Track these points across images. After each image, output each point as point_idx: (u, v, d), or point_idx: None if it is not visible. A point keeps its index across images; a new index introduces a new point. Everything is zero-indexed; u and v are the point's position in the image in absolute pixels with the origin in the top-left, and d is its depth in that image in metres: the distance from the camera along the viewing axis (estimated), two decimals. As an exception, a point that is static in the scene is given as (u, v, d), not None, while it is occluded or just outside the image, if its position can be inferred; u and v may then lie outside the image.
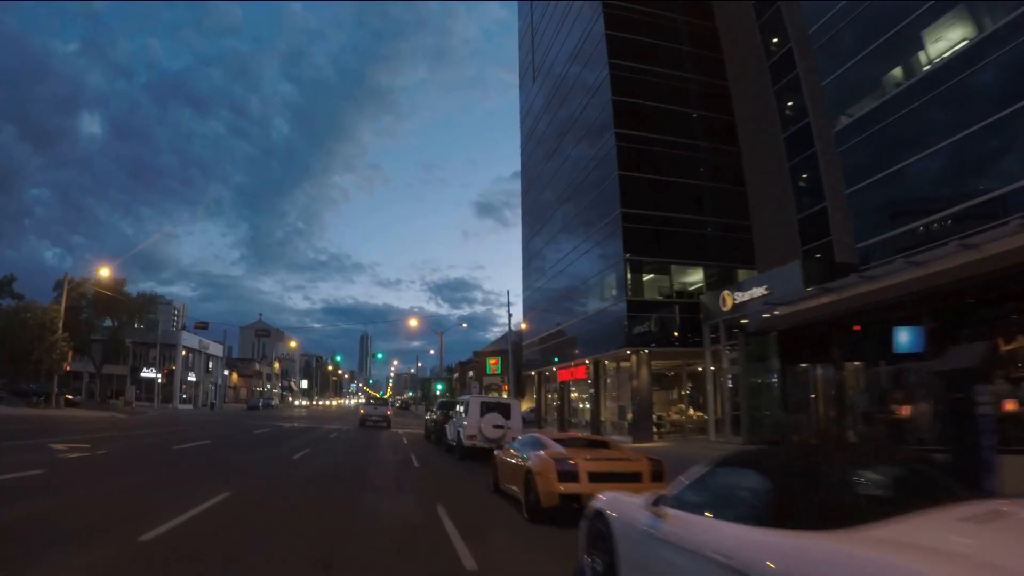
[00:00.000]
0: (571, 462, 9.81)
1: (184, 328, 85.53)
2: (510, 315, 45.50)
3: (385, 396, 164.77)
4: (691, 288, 32.84)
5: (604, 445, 12.16)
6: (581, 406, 40.54)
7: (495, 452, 13.62)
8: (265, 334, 52.19)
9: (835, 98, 26.07)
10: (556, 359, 42.00)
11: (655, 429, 29.92)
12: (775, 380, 17.72)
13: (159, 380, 70.54)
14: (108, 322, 64.10)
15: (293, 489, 12.31)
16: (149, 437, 24.62)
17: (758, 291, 25.49)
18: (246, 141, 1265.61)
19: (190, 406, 75.58)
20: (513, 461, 11.76)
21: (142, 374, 71.20)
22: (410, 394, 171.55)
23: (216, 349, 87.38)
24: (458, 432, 21.96)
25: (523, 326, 55.56)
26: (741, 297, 26.50)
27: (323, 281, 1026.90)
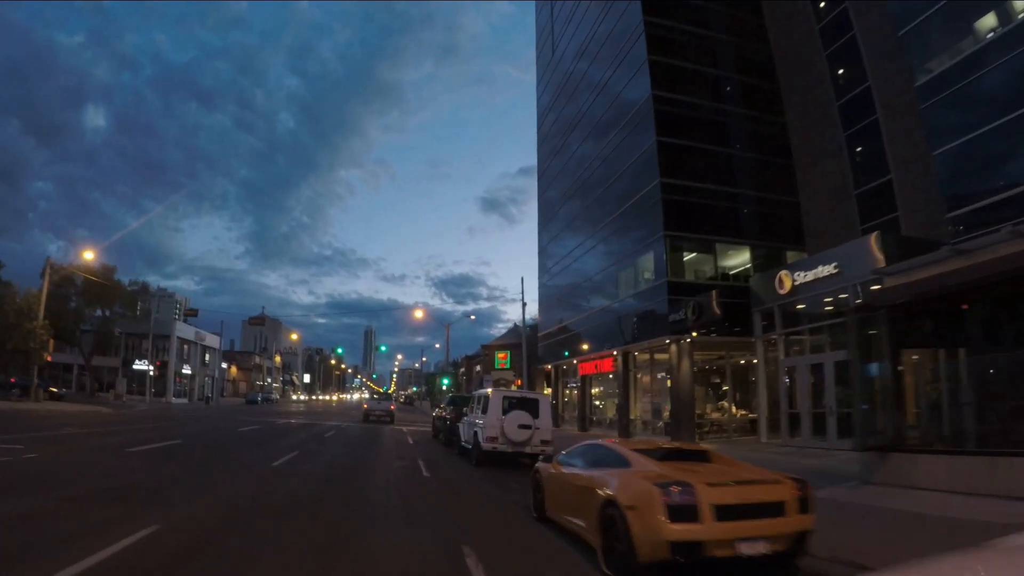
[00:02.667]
0: (680, 489, 6.16)
1: (186, 320, 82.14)
2: (524, 304, 41.67)
3: (389, 391, 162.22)
4: (733, 272, 29.16)
5: (703, 456, 8.44)
6: (604, 402, 36.82)
7: (539, 465, 9.92)
8: (260, 323, 48.74)
9: (915, 50, 22.53)
10: (577, 351, 38.23)
11: (696, 430, 26.21)
12: (877, 370, 14.06)
13: (151, 372, 67.07)
14: (100, 312, 60.66)
15: (254, 518, 8.61)
16: (112, 435, 21.00)
17: (825, 269, 21.86)
18: (252, 135, 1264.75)
19: (185, 400, 72.24)
20: (576, 482, 8.11)
21: (134, 366, 67.69)
22: (414, 389, 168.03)
23: (212, 341, 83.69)
24: (474, 433, 18.32)
25: (537, 317, 52.06)
26: (803, 277, 22.80)
27: (327, 276, 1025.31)
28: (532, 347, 46.15)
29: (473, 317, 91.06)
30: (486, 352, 75.96)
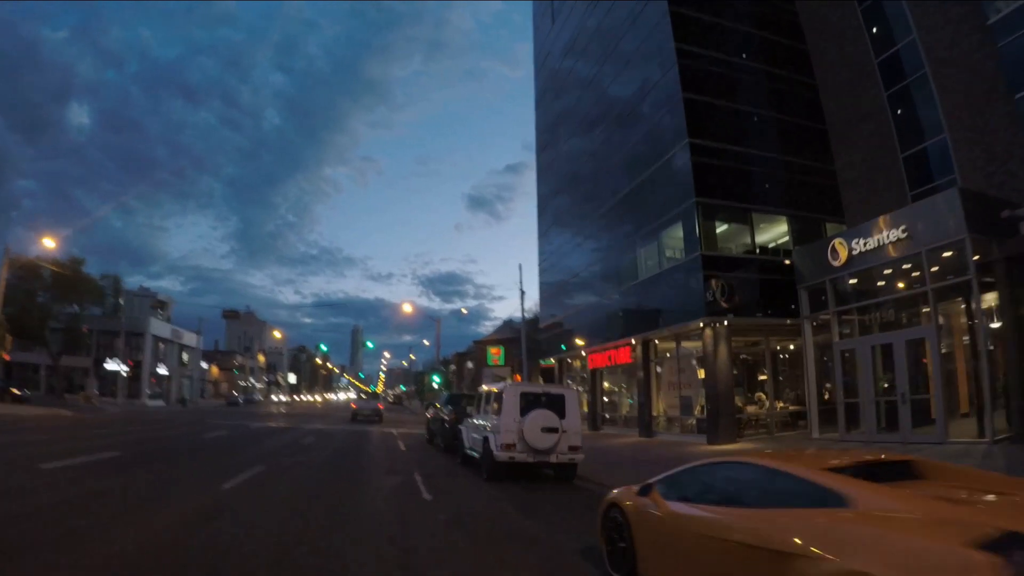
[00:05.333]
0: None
1: (168, 319, 77.82)
2: (522, 293, 37.99)
3: (376, 390, 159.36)
4: (770, 246, 25.72)
5: (911, 470, 5.02)
6: (619, 398, 33.15)
7: (619, 497, 6.38)
8: (234, 316, 45.07)
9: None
10: (586, 342, 34.53)
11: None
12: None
13: (123, 372, 63.08)
14: (71, 308, 56.61)
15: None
16: (42, 444, 17.32)
17: (892, 234, 18.47)
18: (238, 132, 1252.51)
19: (161, 402, 68.15)
20: (727, 536, 4.54)
21: (106, 366, 63.59)
22: (403, 388, 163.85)
23: (190, 339, 79.68)
24: (484, 439, 14.69)
25: (532, 308, 48.76)
26: (862, 245, 19.40)
27: (314, 275, 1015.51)
28: (529, 341, 42.66)
29: (465, 311, 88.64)
30: (478, 348, 73.29)
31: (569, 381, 38.69)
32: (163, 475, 12.57)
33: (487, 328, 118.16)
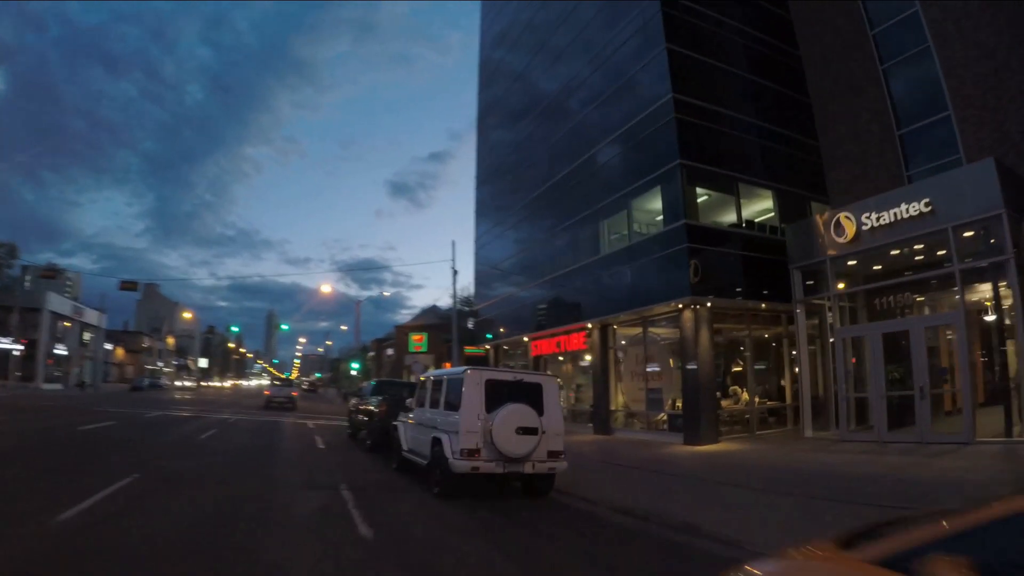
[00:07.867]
0: None
1: (77, 298, 71.16)
2: (455, 272, 33.99)
3: (291, 377, 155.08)
4: (755, 222, 22.99)
5: None
6: (565, 390, 29.65)
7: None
8: (132, 287, 40.32)
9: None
10: (529, 327, 31.18)
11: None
12: None
13: (15, 352, 56.83)
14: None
15: None
16: None
17: (912, 208, 16.01)
18: (158, 106, 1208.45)
19: (59, 385, 62.23)
20: None
21: (-4, 345, 57.28)
22: (318, 376, 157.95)
23: (92, 317, 73.20)
24: (435, 441, 11.19)
25: (469, 291, 45.26)
26: (875, 220, 16.85)
27: (230, 257, 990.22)
28: (465, 325, 39.32)
29: (387, 294, 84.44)
30: (400, 333, 70.00)
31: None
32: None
33: (405, 317, 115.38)
